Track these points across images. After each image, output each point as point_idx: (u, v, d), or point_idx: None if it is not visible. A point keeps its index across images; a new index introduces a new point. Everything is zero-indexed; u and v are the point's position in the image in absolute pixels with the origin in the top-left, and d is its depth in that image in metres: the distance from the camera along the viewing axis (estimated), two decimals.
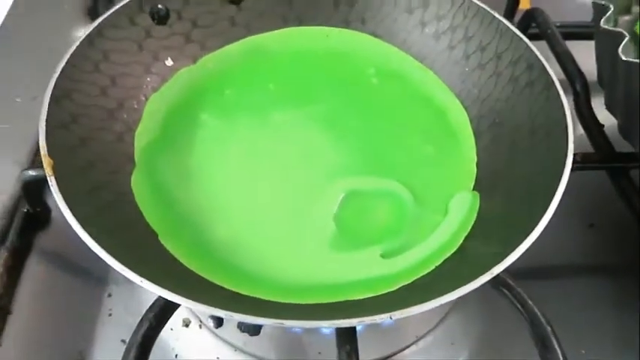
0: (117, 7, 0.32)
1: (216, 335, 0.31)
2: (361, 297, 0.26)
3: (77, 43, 0.30)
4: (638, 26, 0.39)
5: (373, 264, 0.27)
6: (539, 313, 0.25)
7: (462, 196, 0.30)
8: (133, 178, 0.30)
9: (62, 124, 0.28)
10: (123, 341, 0.31)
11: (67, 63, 0.29)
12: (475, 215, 0.29)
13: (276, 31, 0.38)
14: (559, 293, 0.35)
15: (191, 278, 0.26)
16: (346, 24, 0.38)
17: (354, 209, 0.30)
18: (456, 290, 0.22)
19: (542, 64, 0.30)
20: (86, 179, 0.27)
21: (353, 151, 0.32)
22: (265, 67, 0.37)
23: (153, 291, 0.22)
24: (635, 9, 0.41)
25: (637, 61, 0.27)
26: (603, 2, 0.31)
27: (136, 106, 0.33)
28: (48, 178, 0.24)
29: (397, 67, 0.37)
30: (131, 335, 0.25)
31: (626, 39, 0.28)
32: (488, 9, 0.34)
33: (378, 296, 0.26)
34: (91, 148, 0.29)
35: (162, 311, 0.25)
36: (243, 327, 0.30)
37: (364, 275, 0.27)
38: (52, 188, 0.24)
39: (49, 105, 0.28)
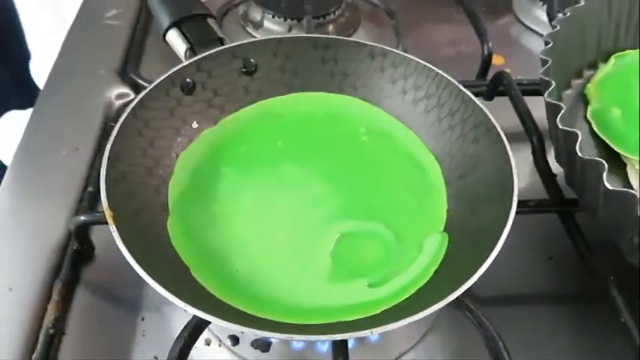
0: (155, 83, 0.38)
1: (233, 352, 0.36)
2: (351, 318, 0.31)
3: (125, 115, 0.36)
4: (587, 88, 0.46)
5: (362, 292, 0.33)
6: (492, 330, 0.30)
7: (434, 236, 0.35)
8: (168, 223, 0.35)
9: (114, 181, 0.33)
10: (155, 358, 0.36)
11: (117, 132, 0.35)
12: (444, 252, 0.34)
13: (283, 96, 0.43)
14: (520, 319, 0.38)
15: (217, 304, 0.31)
16: (341, 90, 0.43)
17: (347, 247, 0.35)
18: (418, 314, 0.27)
19: (498, 130, 0.36)
20: (133, 226, 0.32)
21: (347, 199, 0.38)
22: (274, 127, 0.42)
23: (194, 313, 0.27)
24: (586, 73, 0.48)
25: (571, 130, 0.33)
26: (547, 78, 0.38)
27: (168, 163, 0.38)
28: (110, 227, 0.29)
29: (384, 127, 0.42)
30: (170, 350, 0.30)
31: (563, 110, 0.35)
32: (456, 82, 0.40)
33: (365, 317, 0.31)
34: (135, 200, 0.34)
35: (194, 330, 0.31)
36: (256, 345, 0.36)
37: (354, 301, 0.32)
38: (114, 234, 0.29)
39: (107, 166, 0.33)
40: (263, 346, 0.35)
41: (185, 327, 0.31)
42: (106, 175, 0.32)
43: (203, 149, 0.40)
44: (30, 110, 0.50)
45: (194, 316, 0.32)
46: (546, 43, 0.40)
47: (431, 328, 0.38)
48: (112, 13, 0.56)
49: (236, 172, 0.39)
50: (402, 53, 0.42)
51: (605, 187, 0.31)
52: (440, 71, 0.41)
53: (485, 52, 0.52)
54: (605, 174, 0.31)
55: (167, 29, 0.42)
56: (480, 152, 0.37)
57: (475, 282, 0.29)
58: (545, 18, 0.58)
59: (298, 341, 0.33)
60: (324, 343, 0.34)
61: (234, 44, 0.42)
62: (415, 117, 0.42)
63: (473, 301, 0.32)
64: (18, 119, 0.60)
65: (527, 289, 0.41)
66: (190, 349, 0.31)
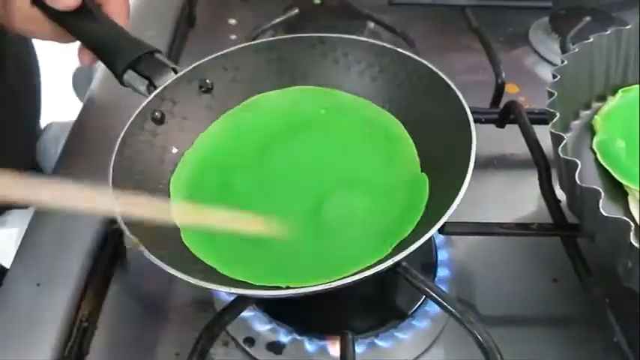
0: (130, 120, 0.40)
1: (248, 353, 0.38)
2: (371, 262, 0.34)
3: (113, 158, 0.37)
4: (593, 120, 0.48)
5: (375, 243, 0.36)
6: (492, 345, 0.32)
7: (415, 178, 0.40)
8: (183, 238, 0.37)
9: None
10: (177, 354, 0.39)
11: (113, 174, 0.37)
12: (427, 189, 0.38)
13: (243, 103, 0.46)
14: (524, 339, 0.40)
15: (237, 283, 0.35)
16: (293, 83, 0.47)
17: (346, 213, 0.38)
18: (424, 235, 0.31)
19: (440, 75, 0.40)
20: (157, 243, 0.34)
21: (332, 172, 0.41)
22: (245, 132, 0.45)
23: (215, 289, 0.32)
24: (594, 105, 0.50)
25: (570, 158, 0.35)
26: (552, 110, 0.40)
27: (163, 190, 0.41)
28: (141, 249, 0.32)
29: (341, 104, 0.46)
30: (192, 347, 0.33)
31: (565, 141, 0.37)
32: (389, 46, 0.44)
33: (381, 259, 0.34)
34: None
35: (214, 330, 0.34)
36: (270, 347, 0.39)
37: (369, 250, 0.35)
38: (144, 253, 0.32)
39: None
40: (276, 348, 0.38)
41: (206, 327, 0.34)
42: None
43: (189, 170, 0.42)
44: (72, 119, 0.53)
45: (214, 316, 0.35)
46: (554, 77, 0.42)
47: (436, 341, 0.39)
48: (151, 34, 0.60)
49: (225, 181, 0.42)
50: (335, 35, 0.45)
51: (601, 213, 0.33)
52: (371, 40, 0.45)
53: (499, 81, 0.54)
54: (601, 201, 0.33)
55: (122, 74, 0.42)
56: (432, 98, 0.41)
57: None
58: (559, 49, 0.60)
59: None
60: (334, 347, 0.36)
61: (186, 69, 0.44)
62: (364, 86, 0.45)
63: (476, 317, 0.34)
64: (59, 133, 0.64)
65: (532, 310, 0.42)
66: (210, 347, 0.34)
